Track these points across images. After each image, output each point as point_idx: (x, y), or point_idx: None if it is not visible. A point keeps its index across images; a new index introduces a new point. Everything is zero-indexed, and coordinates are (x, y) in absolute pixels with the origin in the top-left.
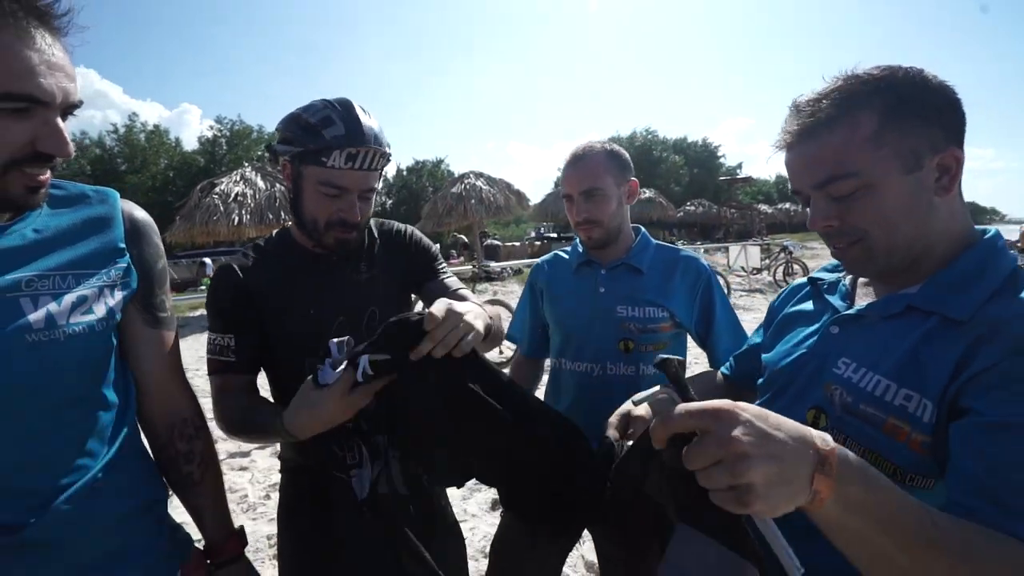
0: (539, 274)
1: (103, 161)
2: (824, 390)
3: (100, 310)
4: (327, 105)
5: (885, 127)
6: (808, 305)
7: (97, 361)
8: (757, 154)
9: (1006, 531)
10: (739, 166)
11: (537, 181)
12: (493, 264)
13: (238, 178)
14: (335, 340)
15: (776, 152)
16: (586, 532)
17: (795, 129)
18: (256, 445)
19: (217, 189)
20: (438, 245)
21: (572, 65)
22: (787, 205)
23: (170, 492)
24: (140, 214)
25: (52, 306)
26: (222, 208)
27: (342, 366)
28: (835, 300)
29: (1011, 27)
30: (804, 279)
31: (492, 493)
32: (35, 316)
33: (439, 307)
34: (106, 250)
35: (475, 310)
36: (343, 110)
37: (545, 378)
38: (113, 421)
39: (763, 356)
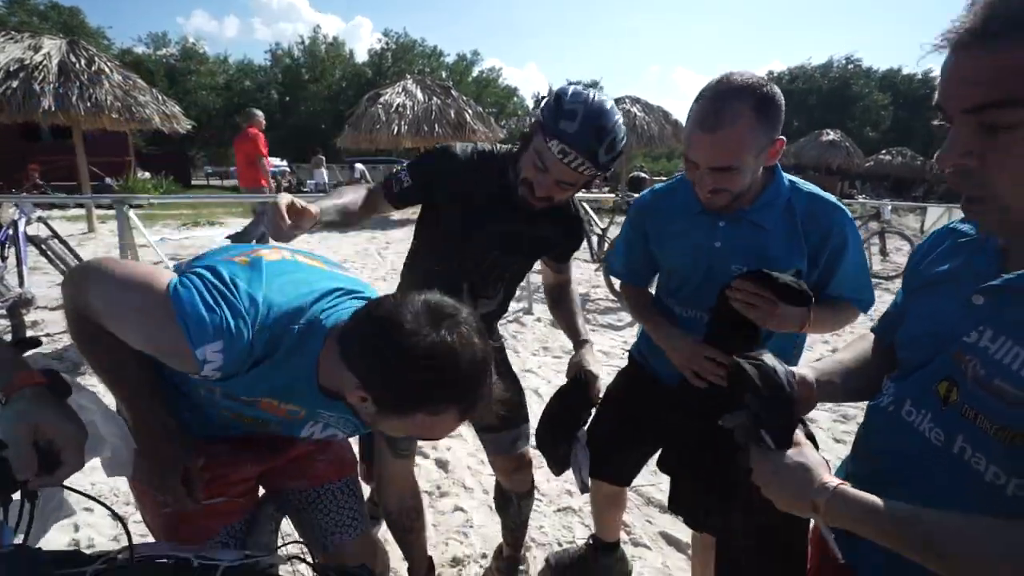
0: (645, 215)
1: (291, 71)
2: (955, 360)
3: None
4: (587, 101)
5: None
6: (948, 264)
7: None
8: None
9: None
10: None
11: None
12: (637, 195)
13: (400, 90)
14: None
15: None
16: None
17: (971, 24)
18: None
19: (381, 99)
20: None
21: None
22: None
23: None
24: None
25: None
26: (384, 118)
27: None
28: (980, 262)
29: None
30: (944, 226)
31: None
32: None
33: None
34: None
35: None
36: (592, 115)
37: None
38: None
39: (899, 328)
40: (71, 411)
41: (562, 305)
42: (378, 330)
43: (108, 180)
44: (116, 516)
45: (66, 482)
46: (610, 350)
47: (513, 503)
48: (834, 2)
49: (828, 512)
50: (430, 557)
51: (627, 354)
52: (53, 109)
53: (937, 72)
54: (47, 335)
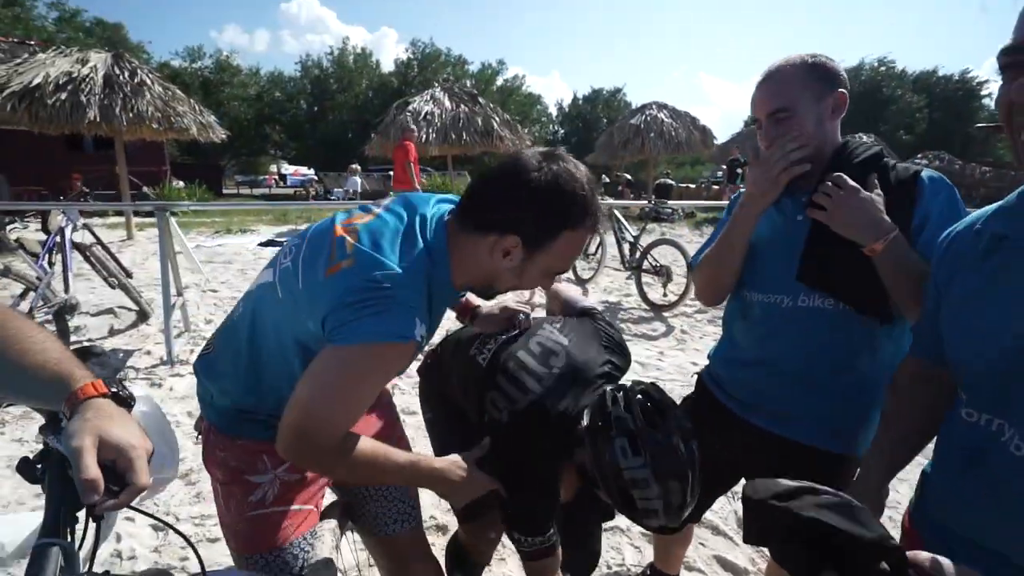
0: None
1: (320, 81)
2: None
3: None
4: (655, 475)
5: None
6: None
7: None
8: None
9: None
10: None
11: (724, 115)
12: (670, 202)
13: (428, 98)
14: None
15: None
16: None
17: None
18: None
19: (409, 107)
20: (606, 180)
21: None
22: None
23: None
24: None
25: None
26: (412, 125)
27: None
28: None
29: None
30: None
31: None
32: None
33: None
34: None
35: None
36: (670, 489)
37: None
38: None
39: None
40: (136, 425)
41: None
42: (508, 177)
43: (145, 189)
44: (189, 543)
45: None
46: (646, 361)
47: None
48: (865, 4)
49: None
50: None
51: (695, 377)
52: (98, 120)
53: (975, 71)
54: (89, 340)
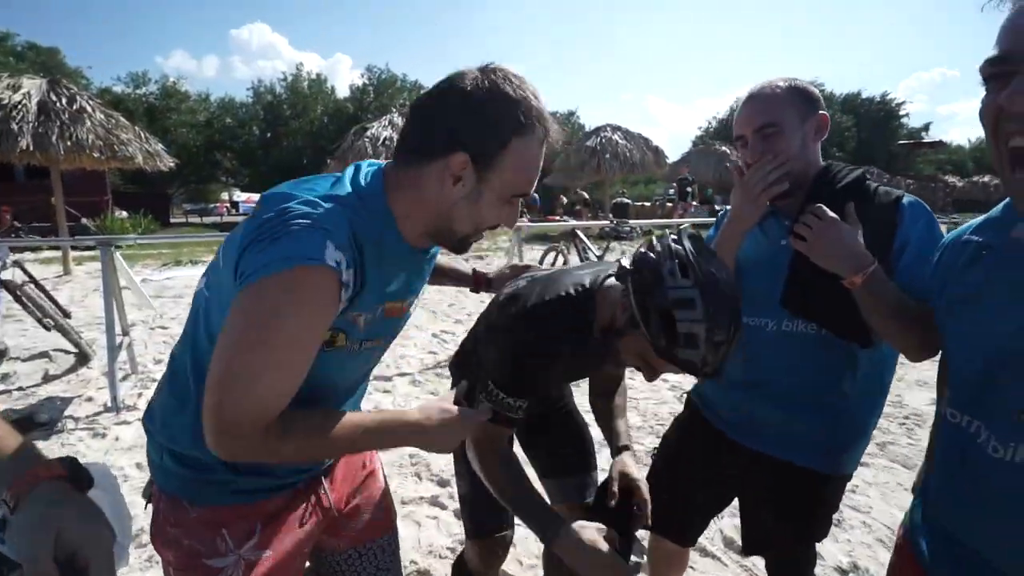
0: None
1: (273, 107)
2: None
3: None
4: (707, 316)
5: None
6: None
7: None
8: (957, 114)
9: None
10: (926, 128)
11: (672, 136)
12: (632, 222)
13: (387, 123)
14: None
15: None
16: None
17: None
18: (396, 372)
19: (368, 133)
20: (564, 201)
21: (722, 9)
22: (986, 178)
23: None
24: None
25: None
26: (371, 151)
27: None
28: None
29: None
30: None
31: None
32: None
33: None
34: None
35: None
36: (717, 330)
37: None
38: None
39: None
40: (96, 509)
41: (602, 400)
42: (443, 93)
43: (84, 220)
44: None
45: None
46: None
47: None
48: (794, 33)
49: None
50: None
51: (684, 396)
52: (31, 149)
53: (894, 93)
54: (19, 388)
